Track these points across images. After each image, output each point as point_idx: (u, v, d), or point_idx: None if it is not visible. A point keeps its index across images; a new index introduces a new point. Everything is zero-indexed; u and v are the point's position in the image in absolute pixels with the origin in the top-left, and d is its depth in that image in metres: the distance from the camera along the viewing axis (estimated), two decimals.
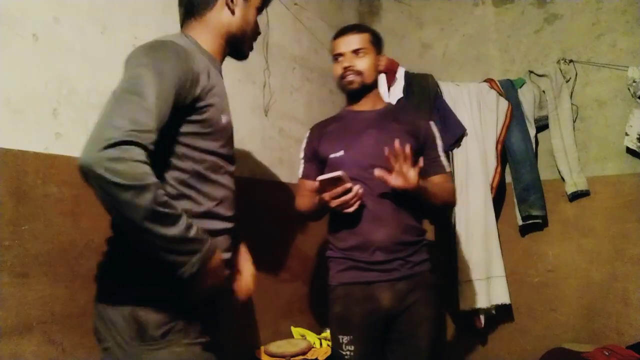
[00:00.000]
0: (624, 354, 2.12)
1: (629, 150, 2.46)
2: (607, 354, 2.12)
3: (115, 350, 1.02)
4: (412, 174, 1.48)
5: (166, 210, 0.93)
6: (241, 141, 2.19)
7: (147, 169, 0.91)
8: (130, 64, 1.04)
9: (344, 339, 1.59)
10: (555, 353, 2.31)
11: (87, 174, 0.88)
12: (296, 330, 2.25)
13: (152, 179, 0.91)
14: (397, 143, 1.47)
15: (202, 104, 1.09)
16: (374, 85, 1.75)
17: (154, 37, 1.31)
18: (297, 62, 2.58)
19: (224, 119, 1.16)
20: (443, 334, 2.85)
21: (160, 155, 1.02)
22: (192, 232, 0.98)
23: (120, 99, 0.95)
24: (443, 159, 1.71)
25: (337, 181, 1.51)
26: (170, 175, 1.07)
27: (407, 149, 1.48)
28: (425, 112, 2.62)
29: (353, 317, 1.60)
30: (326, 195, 1.54)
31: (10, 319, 1.27)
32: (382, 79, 2.64)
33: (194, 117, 1.09)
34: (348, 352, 1.58)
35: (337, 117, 1.81)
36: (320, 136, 1.76)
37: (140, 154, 0.90)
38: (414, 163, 1.53)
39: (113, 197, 0.88)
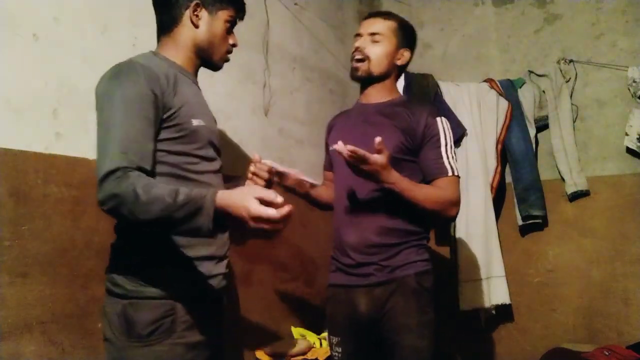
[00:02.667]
0: (624, 354, 2.12)
1: (629, 150, 2.46)
2: (607, 354, 2.12)
3: (109, 343, 1.12)
4: (367, 167, 1.33)
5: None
6: (241, 141, 2.19)
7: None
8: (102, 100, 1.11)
9: (334, 340, 1.59)
10: (555, 353, 2.31)
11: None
12: (296, 330, 2.25)
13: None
14: (377, 140, 1.32)
15: (170, 111, 1.15)
16: (384, 77, 1.60)
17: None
18: (297, 62, 2.58)
19: (194, 122, 1.19)
20: (443, 335, 2.85)
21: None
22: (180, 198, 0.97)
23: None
24: (447, 160, 1.51)
25: (275, 171, 1.44)
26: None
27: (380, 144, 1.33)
28: None
29: (338, 319, 1.59)
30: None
31: (10, 319, 1.27)
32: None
33: (166, 124, 1.15)
34: (337, 354, 1.58)
35: (349, 109, 1.76)
36: (331, 127, 1.75)
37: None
38: (397, 161, 1.45)
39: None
